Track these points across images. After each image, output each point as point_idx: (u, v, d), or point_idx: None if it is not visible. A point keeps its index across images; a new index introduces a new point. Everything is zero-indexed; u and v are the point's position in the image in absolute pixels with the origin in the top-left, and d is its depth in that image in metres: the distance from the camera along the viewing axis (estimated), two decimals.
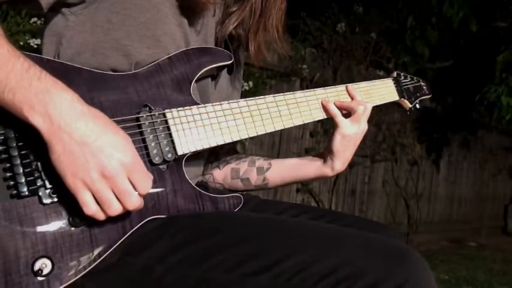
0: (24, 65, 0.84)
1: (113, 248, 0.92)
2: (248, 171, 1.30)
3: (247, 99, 1.12)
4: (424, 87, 1.54)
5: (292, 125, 1.18)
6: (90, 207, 0.85)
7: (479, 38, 5.61)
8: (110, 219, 0.89)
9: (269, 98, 1.16)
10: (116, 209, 0.86)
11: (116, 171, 0.84)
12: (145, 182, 0.88)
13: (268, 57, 1.26)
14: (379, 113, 4.98)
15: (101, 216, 0.86)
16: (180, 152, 1.01)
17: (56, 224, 0.88)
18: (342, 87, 1.27)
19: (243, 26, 1.19)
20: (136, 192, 0.87)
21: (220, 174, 1.32)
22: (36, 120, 0.83)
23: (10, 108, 0.84)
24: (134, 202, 0.87)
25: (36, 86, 0.83)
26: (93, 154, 0.83)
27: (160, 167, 0.99)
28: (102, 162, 0.83)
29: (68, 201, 0.88)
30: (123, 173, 0.85)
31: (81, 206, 0.85)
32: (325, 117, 1.23)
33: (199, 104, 1.06)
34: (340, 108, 1.24)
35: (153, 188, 0.97)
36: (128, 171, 0.86)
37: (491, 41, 5.55)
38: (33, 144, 0.88)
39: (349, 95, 1.27)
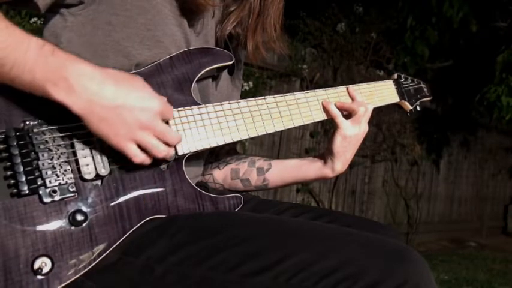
0: (38, 43, 0.86)
1: (112, 248, 0.92)
2: (248, 171, 1.30)
3: (247, 99, 1.12)
4: (425, 89, 1.54)
5: (293, 126, 1.18)
6: (139, 156, 0.92)
7: (479, 38, 5.61)
8: (110, 218, 0.90)
9: (269, 98, 1.16)
10: (163, 149, 0.94)
11: (152, 120, 0.92)
12: (172, 113, 0.98)
13: (266, 56, 1.26)
14: (379, 113, 4.98)
15: (149, 161, 0.94)
16: (180, 152, 1.01)
17: (56, 223, 0.88)
18: (342, 88, 1.27)
19: (242, 25, 1.19)
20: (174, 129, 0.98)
21: (220, 175, 1.32)
22: (62, 96, 0.86)
23: (29, 88, 0.86)
24: (175, 137, 0.96)
25: (53, 62, 0.85)
26: (128, 113, 0.89)
27: (161, 166, 1.00)
28: (137, 117, 0.90)
29: (68, 201, 0.89)
30: (158, 118, 0.93)
31: (131, 158, 0.91)
32: (326, 118, 1.23)
33: (199, 104, 1.06)
34: (340, 109, 1.23)
35: (153, 187, 0.98)
36: (161, 115, 0.93)
37: (491, 41, 5.55)
38: (34, 143, 0.89)
39: (350, 96, 1.27)
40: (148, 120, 0.91)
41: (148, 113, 0.91)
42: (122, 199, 0.94)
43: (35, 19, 2.78)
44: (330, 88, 1.26)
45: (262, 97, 1.15)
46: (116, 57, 1.02)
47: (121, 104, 0.88)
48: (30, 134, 0.89)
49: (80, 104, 0.86)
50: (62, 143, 0.92)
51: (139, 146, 0.92)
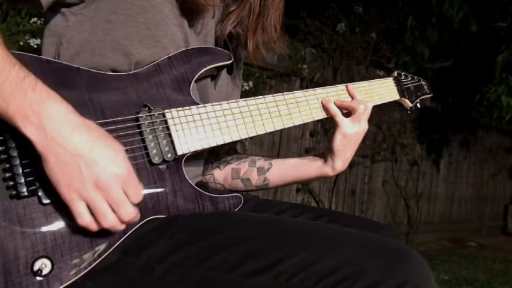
0: (19, 75, 0.83)
1: (112, 248, 0.92)
2: (249, 171, 1.30)
3: (246, 99, 1.12)
4: (425, 87, 1.54)
5: (292, 125, 1.18)
6: (84, 218, 0.84)
7: (479, 38, 5.61)
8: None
9: (269, 97, 1.15)
10: (110, 220, 0.85)
11: (111, 183, 0.84)
12: (139, 193, 0.89)
13: (266, 56, 1.26)
14: (379, 113, 4.98)
15: (94, 227, 0.86)
16: (179, 152, 1.01)
17: (56, 224, 0.88)
18: (342, 86, 1.27)
19: (242, 25, 1.19)
20: (131, 203, 0.87)
21: (221, 175, 1.32)
22: (30, 131, 0.82)
23: (3, 117, 0.83)
24: (130, 212, 0.87)
25: (31, 97, 0.82)
26: (88, 165, 0.83)
27: (160, 167, 0.99)
28: (96, 173, 0.83)
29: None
30: (118, 184, 0.85)
31: (75, 216, 0.84)
32: (326, 116, 1.23)
33: (198, 104, 1.06)
34: (340, 108, 1.23)
35: (153, 188, 0.97)
36: (122, 183, 0.86)
37: (491, 41, 5.55)
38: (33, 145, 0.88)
39: (350, 94, 1.27)
40: (105, 181, 0.83)
41: (109, 174, 0.84)
42: None
43: (35, 19, 2.78)
44: (329, 86, 1.25)
45: (262, 96, 1.15)
46: (115, 56, 1.01)
47: (84, 154, 0.83)
48: None
49: (44, 141, 0.82)
50: None
51: (89, 208, 0.85)
